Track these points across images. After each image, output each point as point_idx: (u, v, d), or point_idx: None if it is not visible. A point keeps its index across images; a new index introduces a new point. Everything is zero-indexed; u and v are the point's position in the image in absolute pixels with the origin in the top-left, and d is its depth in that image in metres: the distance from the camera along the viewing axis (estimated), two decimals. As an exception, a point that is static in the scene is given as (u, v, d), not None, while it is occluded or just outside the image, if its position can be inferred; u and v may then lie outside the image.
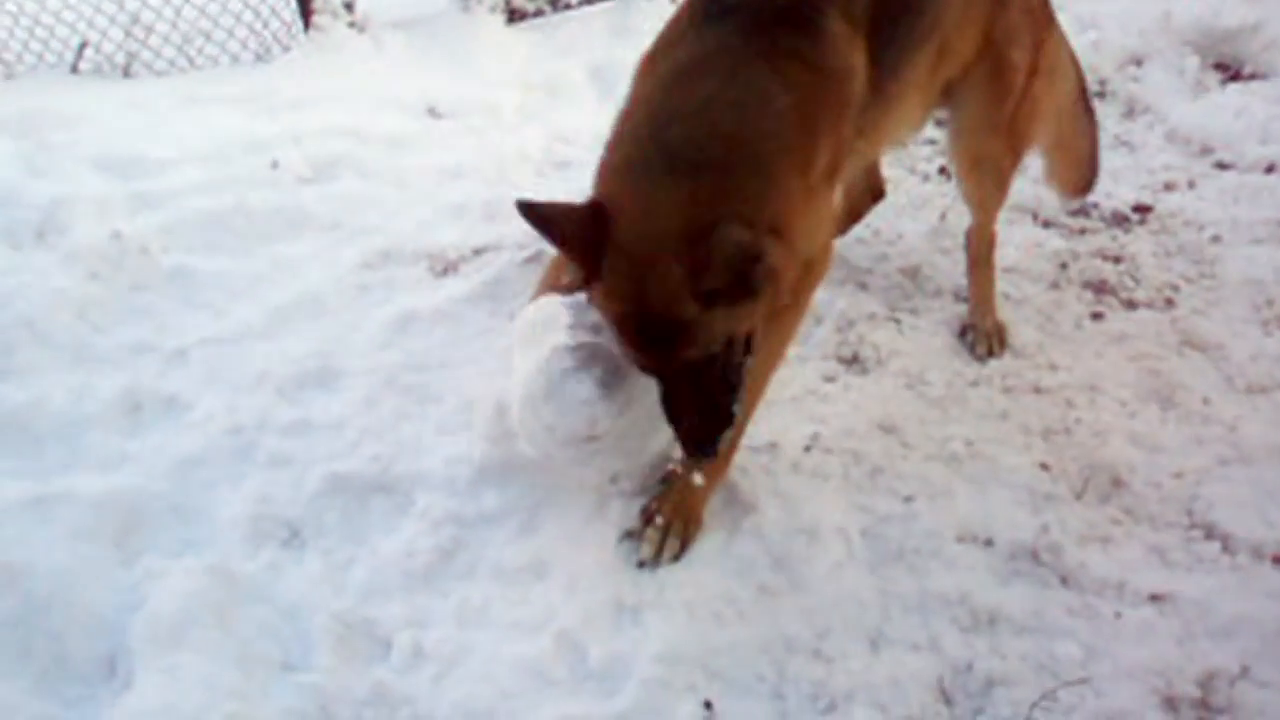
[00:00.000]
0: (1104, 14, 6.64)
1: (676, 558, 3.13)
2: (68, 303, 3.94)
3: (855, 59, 3.04)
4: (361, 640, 2.89)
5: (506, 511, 3.23)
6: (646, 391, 2.95)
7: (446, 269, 4.24)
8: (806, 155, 2.91)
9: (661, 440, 3.15)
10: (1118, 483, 3.46)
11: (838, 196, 3.54)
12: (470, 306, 3.99)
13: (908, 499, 3.35)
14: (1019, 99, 3.76)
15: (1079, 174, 4.38)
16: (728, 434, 2.95)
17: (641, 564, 3.12)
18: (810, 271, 3.13)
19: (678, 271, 2.67)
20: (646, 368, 2.87)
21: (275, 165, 4.69)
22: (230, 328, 3.93)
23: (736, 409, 2.94)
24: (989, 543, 3.24)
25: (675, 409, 2.87)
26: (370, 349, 3.83)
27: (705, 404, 2.85)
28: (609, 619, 2.95)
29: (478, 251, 4.30)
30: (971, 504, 3.36)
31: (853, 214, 4.48)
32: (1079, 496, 3.42)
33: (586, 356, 3.00)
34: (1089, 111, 4.34)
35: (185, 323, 3.97)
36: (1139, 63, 6.27)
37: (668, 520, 3.16)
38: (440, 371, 3.74)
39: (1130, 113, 5.84)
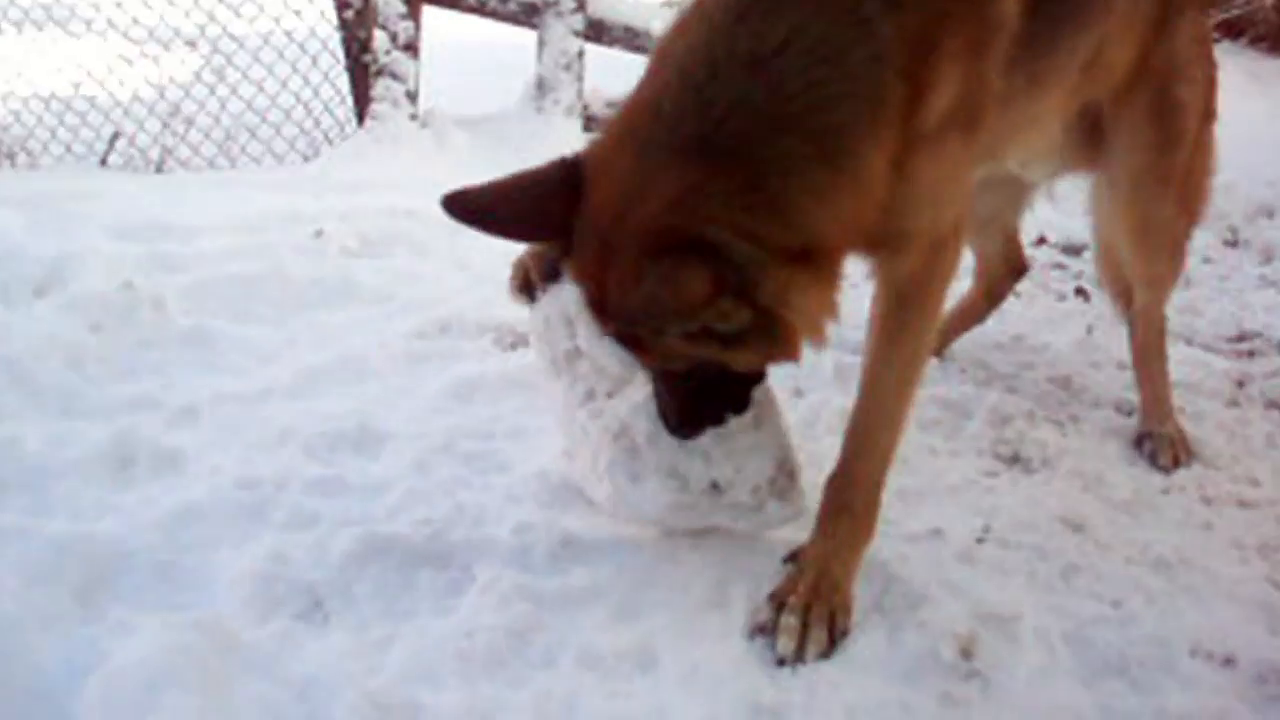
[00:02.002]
0: (1231, 163, 6.11)
1: (825, 654, 2.34)
2: (60, 350, 3.29)
3: None
4: (401, 729, 2.08)
5: (598, 591, 2.47)
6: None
7: (515, 342, 3.57)
8: (916, 93, 2.18)
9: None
10: (1364, 607, 2.70)
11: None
12: (550, 376, 3.28)
13: (1116, 603, 2.60)
14: (1191, 148, 3.13)
15: None
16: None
17: (782, 662, 2.33)
18: (939, 256, 2.45)
19: (633, 285, 2.07)
20: None
21: (319, 234, 4.08)
22: (252, 386, 3.25)
23: (733, 422, 2.42)
24: (1229, 661, 2.47)
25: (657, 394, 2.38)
26: (422, 414, 3.14)
27: (685, 405, 2.34)
28: (741, 720, 2.15)
29: (553, 325, 3.62)
30: (1196, 616, 2.61)
31: (992, 295, 3.81)
32: (1323, 620, 2.65)
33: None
34: None
35: (199, 382, 3.28)
36: (1270, 215, 5.80)
37: (806, 604, 2.38)
38: (510, 440, 3.03)
39: (1269, 259, 5.38)
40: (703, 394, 2.33)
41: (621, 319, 2.17)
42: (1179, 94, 3.04)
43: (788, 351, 2.23)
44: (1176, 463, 3.27)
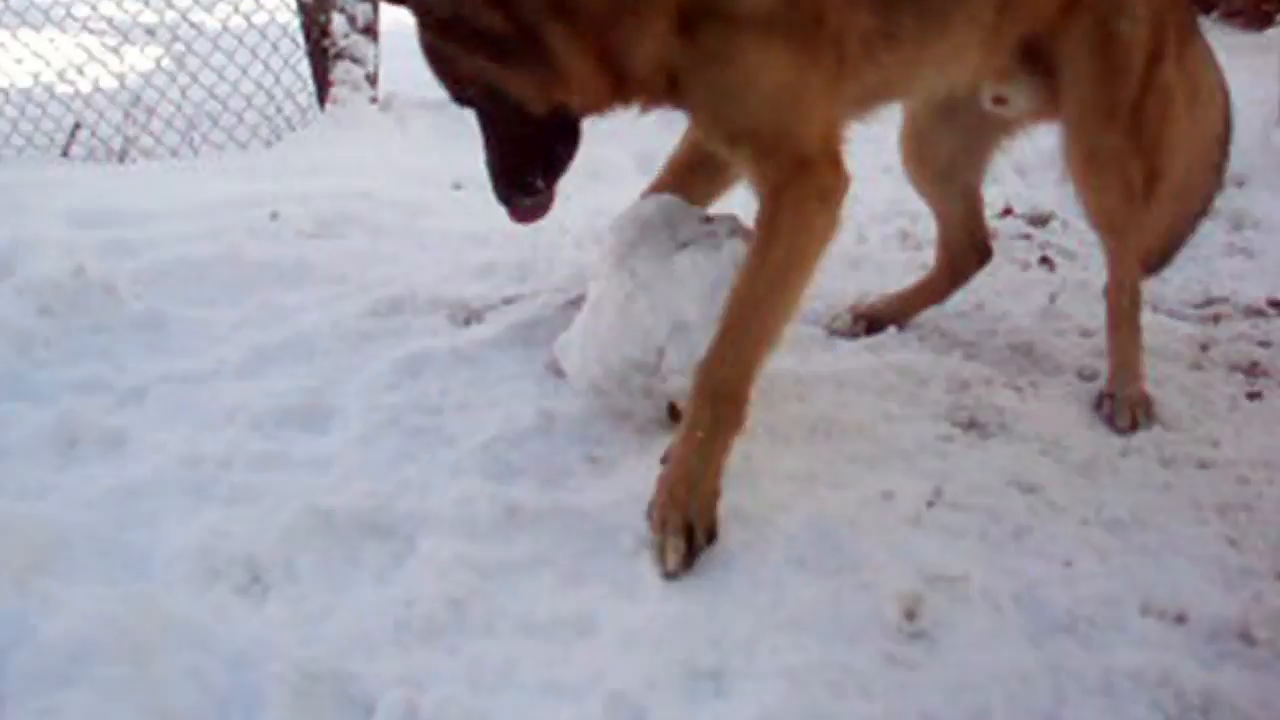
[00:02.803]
0: (1200, 135, 6.14)
1: (687, 564, 2.42)
2: (7, 334, 3.27)
3: None
4: (328, 697, 2.06)
5: (541, 559, 2.46)
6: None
7: (470, 318, 3.52)
8: None
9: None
10: (1325, 562, 2.68)
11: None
12: (498, 350, 3.27)
13: (1067, 563, 2.57)
14: (1140, 86, 3.14)
15: (1161, 242, 3.68)
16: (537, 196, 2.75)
17: (670, 576, 2.39)
18: (807, 177, 2.63)
19: None
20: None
21: (275, 216, 4.04)
22: (202, 366, 3.22)
23: (541, 185, 2.72)
24: (1181, 618, 2.45)
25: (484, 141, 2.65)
26: (371, 389, 3.10)
27: (494, 147, 2.65)
28: (680, 684, 2.14)
29: (507, 301, 3.59)
30: (1149, 574, 2.57)
31: (955, 274, 3.77)
32: (1280, 576, 2.62)
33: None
34: (1218, 170, 3.65)
35: (148, 364, 3.25)
36: (1240, 184, 5.72)
37: (662, 518, 2.46)
38: (457, 414, 3.00)
39: (1238, 227, 5.27)
40: (511, 140, 2.61)
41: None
42: (1118, 28, 3.08)
43: (560, 86, 2.49)
44: (1135, 426, 3.23)
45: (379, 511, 2.56)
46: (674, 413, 2.79)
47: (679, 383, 2.71)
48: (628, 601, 2.35)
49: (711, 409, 2.54)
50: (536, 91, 2.50)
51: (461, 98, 2.59)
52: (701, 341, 2.65)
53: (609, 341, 2.80)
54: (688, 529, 2.42)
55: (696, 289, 2.78)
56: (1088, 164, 3.22)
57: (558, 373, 3.07)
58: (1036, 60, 3.10)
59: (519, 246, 4.10)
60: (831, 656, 2.22)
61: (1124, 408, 3.27)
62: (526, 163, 2.65)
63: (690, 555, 2.40)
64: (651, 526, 2.46)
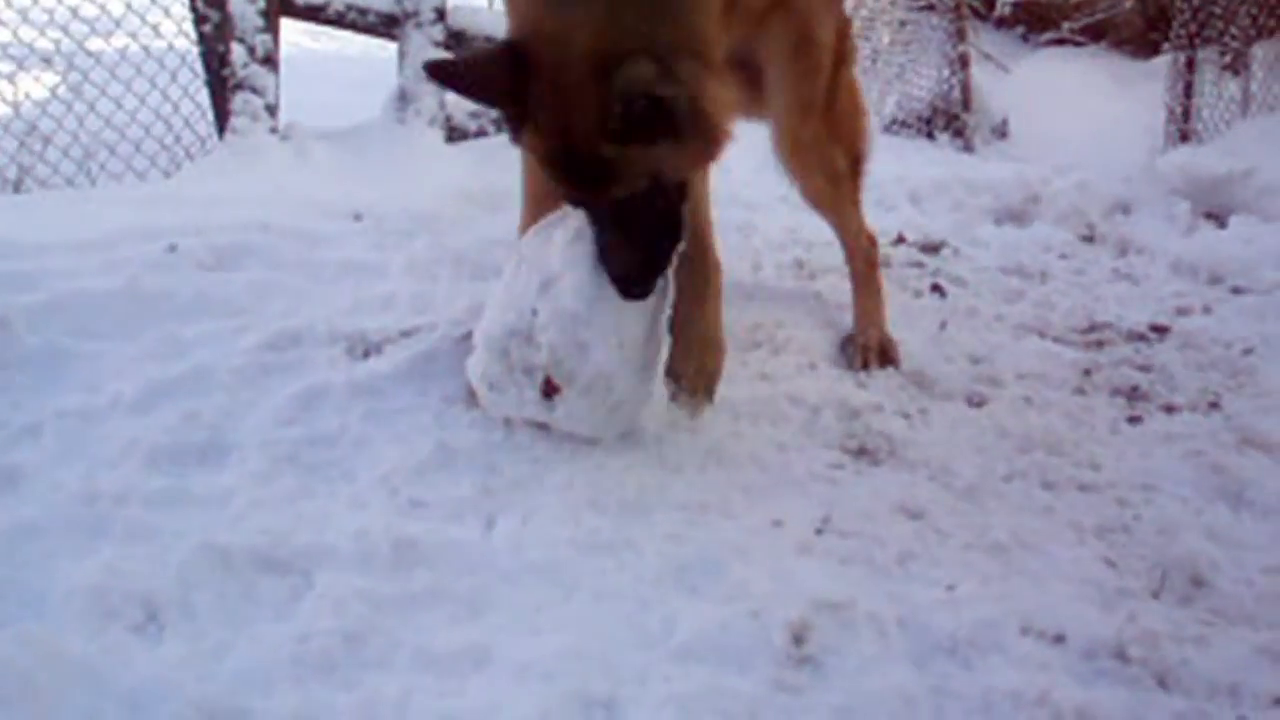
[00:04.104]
0: (1089, 161, 6.36)
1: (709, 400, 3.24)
2: (-102, 374, 3.20)
3: None
4: (226, 734, 2.07)
5: (437, 592, 2.49)
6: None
7: (368, 351, 3.53)
8: None
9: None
10: (1199, 581, 2.82)
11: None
12: (395, 383, 3.29)
13: (950, 587, 2.66)
14: (830, 82, 3.59)
15: None
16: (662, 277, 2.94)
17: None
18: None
19: (593, 108, 2.57)
20: (577, 203, 2.86)
21: (173, 249, 4.01)
22: (98, 402, 3.19)
23: (675, 255, 2.92)
24: (1060, 639, 2.54)
25: (610, 248, 2.83)
26: (268, 424, 3.11)
27: (637, 245, 2.82)
28: (573, 714, 2.18)
29: (405, 333, 3.61)
30: (1029, 596, 2.68)
31: None
32: (1156, 595, 2.77)
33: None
34: None
35: (44, 400, 3.22)
36: (1126, 210, 5.95)
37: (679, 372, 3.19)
38: (355, 448, 3.02)
39: (1124, 252, 5.48)
40: (648, 229, 2.82)
41: (595, 139, 2.61)
42: (815, 31, 3.48)
43: (714, 140, 2.76)
44: (866, 365, 3.73)
45: (276, 547, 2.57)
46: (547, 388, 2.90)
47: (548, 350, 2.87)
48: (523, 634, 2.39)
49: (701, 273, 3.18)
50: (697, 156, 2.85)
51: (620, 202, 2.76)
52: (566, 290, 2.86)
53: (493, 317, 2.99)
54: (708, 378, 3.25)
55: (561, 241, 2.95)
56: (795, 153, 3.64)
57: (461, 403, 3.13)
58: (740, 62, 3.37)
59: (418, 279, 4.12)
60: (721, 683, 2.28)
61: (859, 351, 3.77)
62: (674, 240, 2.89)
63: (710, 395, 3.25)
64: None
